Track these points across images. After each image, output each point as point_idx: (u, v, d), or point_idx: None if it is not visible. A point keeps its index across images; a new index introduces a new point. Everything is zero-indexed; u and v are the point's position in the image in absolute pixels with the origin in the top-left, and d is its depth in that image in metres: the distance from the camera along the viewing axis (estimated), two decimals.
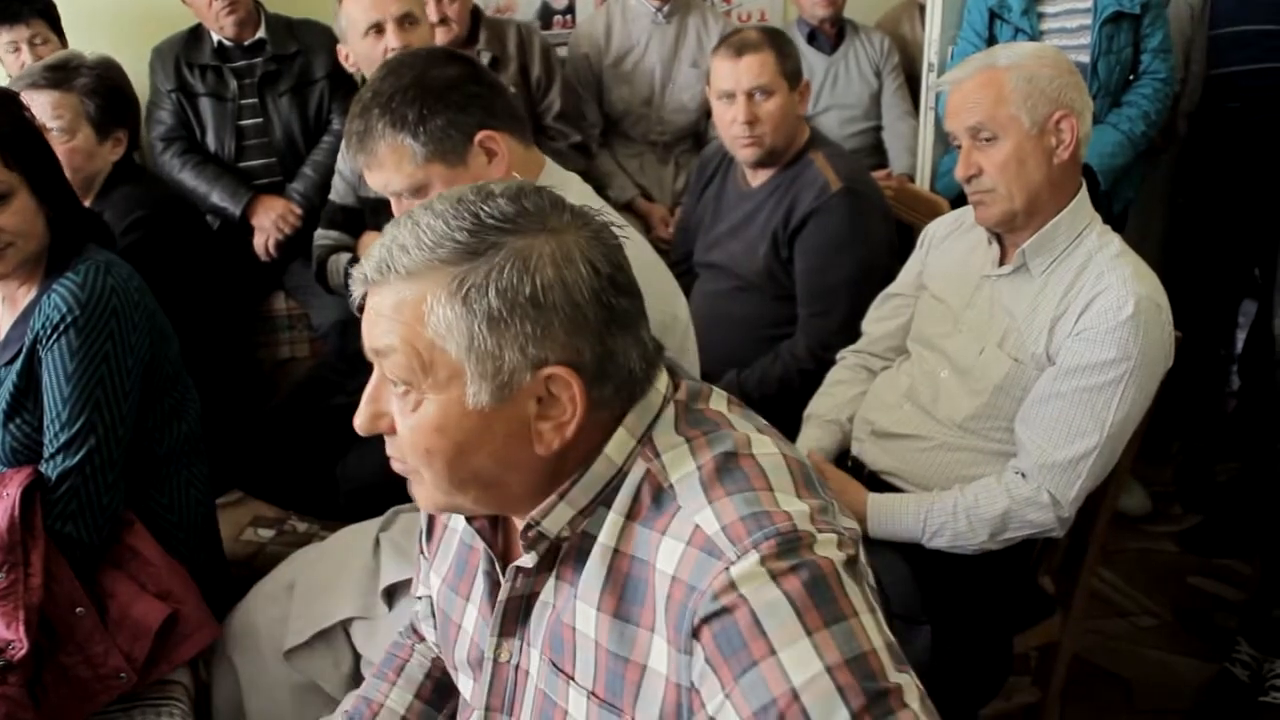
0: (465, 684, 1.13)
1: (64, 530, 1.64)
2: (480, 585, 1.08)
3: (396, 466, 0.99)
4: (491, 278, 0.87)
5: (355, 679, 1.69)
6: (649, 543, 0.92)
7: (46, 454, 1.66)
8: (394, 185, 1.55)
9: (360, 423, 0.98)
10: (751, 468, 0.92)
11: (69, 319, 1.64)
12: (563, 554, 0.98)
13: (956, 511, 1.73)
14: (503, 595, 1.02)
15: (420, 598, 1.29)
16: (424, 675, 1.30)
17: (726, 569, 0.85)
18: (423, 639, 1.34)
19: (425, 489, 0.98)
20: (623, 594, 0.93)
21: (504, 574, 1.02)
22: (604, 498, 0.95)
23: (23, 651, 1.53)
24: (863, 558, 0.92)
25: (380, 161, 1.54)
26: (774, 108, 2.33)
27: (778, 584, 0.84)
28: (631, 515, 0.94)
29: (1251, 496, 2.78)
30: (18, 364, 1.67)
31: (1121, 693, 2.37)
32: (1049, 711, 2.07)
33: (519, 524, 0.98)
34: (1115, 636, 2.54)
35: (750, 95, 2.32)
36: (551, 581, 0.99)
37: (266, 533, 2.95)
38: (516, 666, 1.04)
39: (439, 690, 1.30)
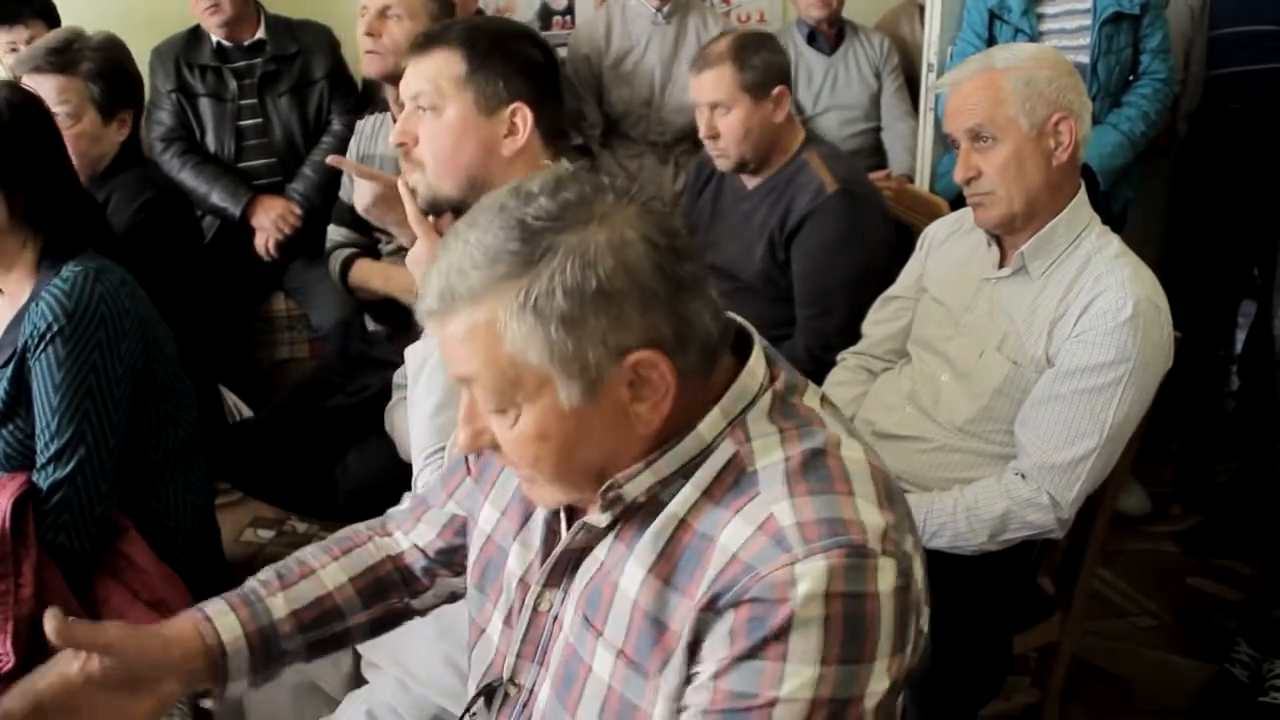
0: (484, 608, 1.13)
1: (57, 540, 1.63)
2: (536, 530, 1.08)
3: (517, 474, 1.01)
4: (555, 281, 0.87)
5: (355, 679, 1.68)
6: (719, 520, 0.92)
7: (38, 464, 1.66)
8: (420, 88, 1.57)
9: (463, 443, 0.98)
10: (837, 469, 0.93)
11: (55, 328, 1.62)
12: (628, 515, 0.99)
13: (956, 512, 1.73)
14: (561, 546, 1.03)
15: (443, 509, 1.28)
16: (367, 566, 1.27)
17: (792, 564, 0.86)
18: (388, 535, 1.31)
19: (544, 490, 0.99)
20: (678, 563, 0.94)
21: (568, 527, 1.03)
22: (685, 470, 0.96)
23: (9, 665, 1.52)
24: (918, 580, 0.94)
25: (428, 59, 1.56)
26: (734, 122, 2.33)
27: (826, 605, 0.86)
28: (709, 492, 0.94)
29: (1251, 497, 2.78)
30: (9, 371, 1.66)
31: (1121, 693, 2.37)
32: (1048, 712, 2.07)
33: None
34: (1115, 637, 2.54)
35: (711, 109, 2.34)
36: (609, 540, 1.00)
37: (266, 534, 2.95)
38: (555, 618, 1.04)
39: (376, 587, 1.27)
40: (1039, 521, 1.71)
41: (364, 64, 2.59)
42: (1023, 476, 1.72)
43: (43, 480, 1.64)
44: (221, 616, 1.17)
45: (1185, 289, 2.66)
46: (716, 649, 0.89)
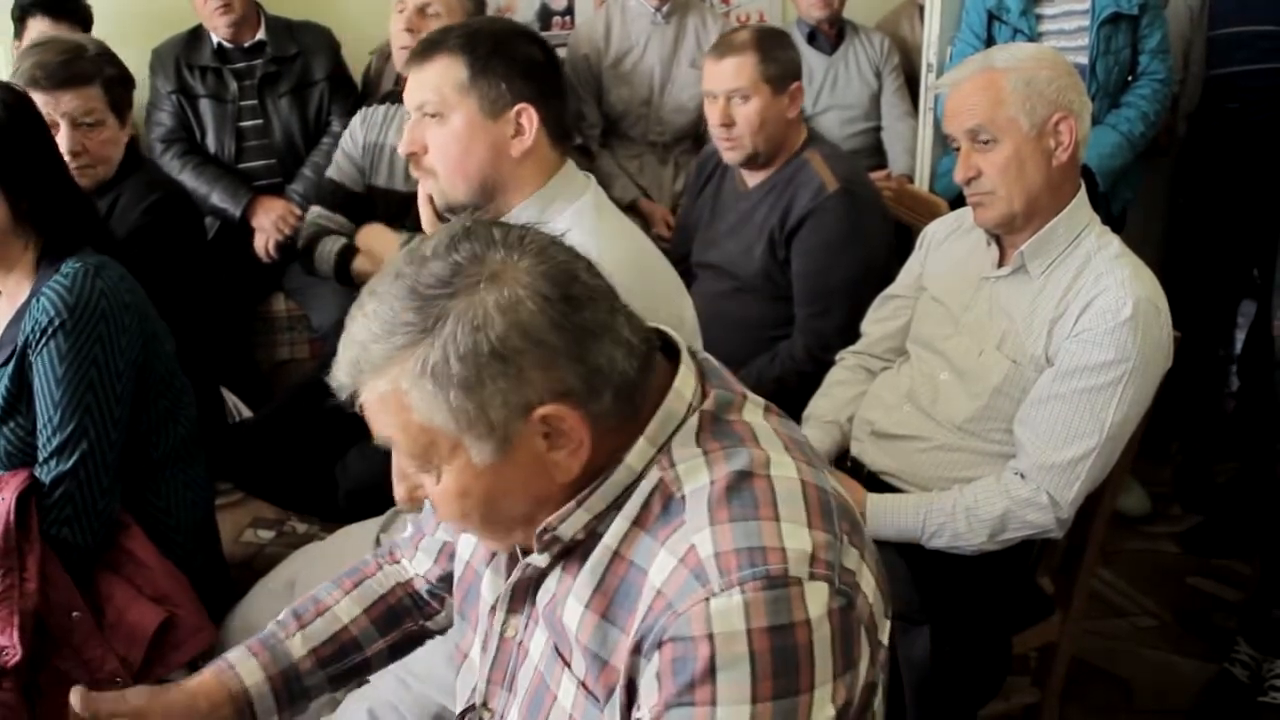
0: (466, 634, 1.15)
1: (60, 535, 1.64)
2: (501, 557, 1.10)
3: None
4: (448, 349, 0.87)
5: None
6: (649, 552, 0.92)
7: (40, 459, 1.67)
8: (424, 97, 1.57)
9: (400, 497, 1.01)
10: (763, 491, 0.91)
11: (57, 323, 1.63)
12: (571, 550, 1.00)
13: (955, 512, 1.73)
14: (512, 578, 1.04)
15: (434, 536, 1.30)
16: (379, 596, 1.30)
17: (706, 600, 0.86)
18: (396, 562, 1.34)
19: (484, 540, 1.03)
20: (614, 597, 0.94)
21: (522, 555, 1.04)
22: (618, 502, 0.96)
23: (16, 657, 1.53)
24: (867, 595, 0.92)
25: (429, 68, 1.56)
26: (751, 112, 2.33)
27: (750, 641, 0.85)
28: (639, 522, 0.94)
29: (1250, 497, 2.78)
30: (9, 367, 1.67)
31: (1121, 693, 2.37)
32: (1048, 712, 2.07)
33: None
34: (1114, 637, 2.54)
35: (728, 98, 2.33)
36: (557, 571, 1.01)
37: (266, 534, 2.95)
38: (520, 644, 1.05)
39: (390, 615, 1.30)
40: (1038, 521, 1.71)
41: (396, 59, 2.60)
42: (1022, 476, 1.72)
43: (45, 475, 1.65)
44: (243, 663, 1.21)
45: (1185, 289, 2.66)
46: (649, 694, 0.88)
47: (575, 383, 0.90)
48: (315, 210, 2.61)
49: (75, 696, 1.07)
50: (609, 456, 0.95)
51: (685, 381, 0.98)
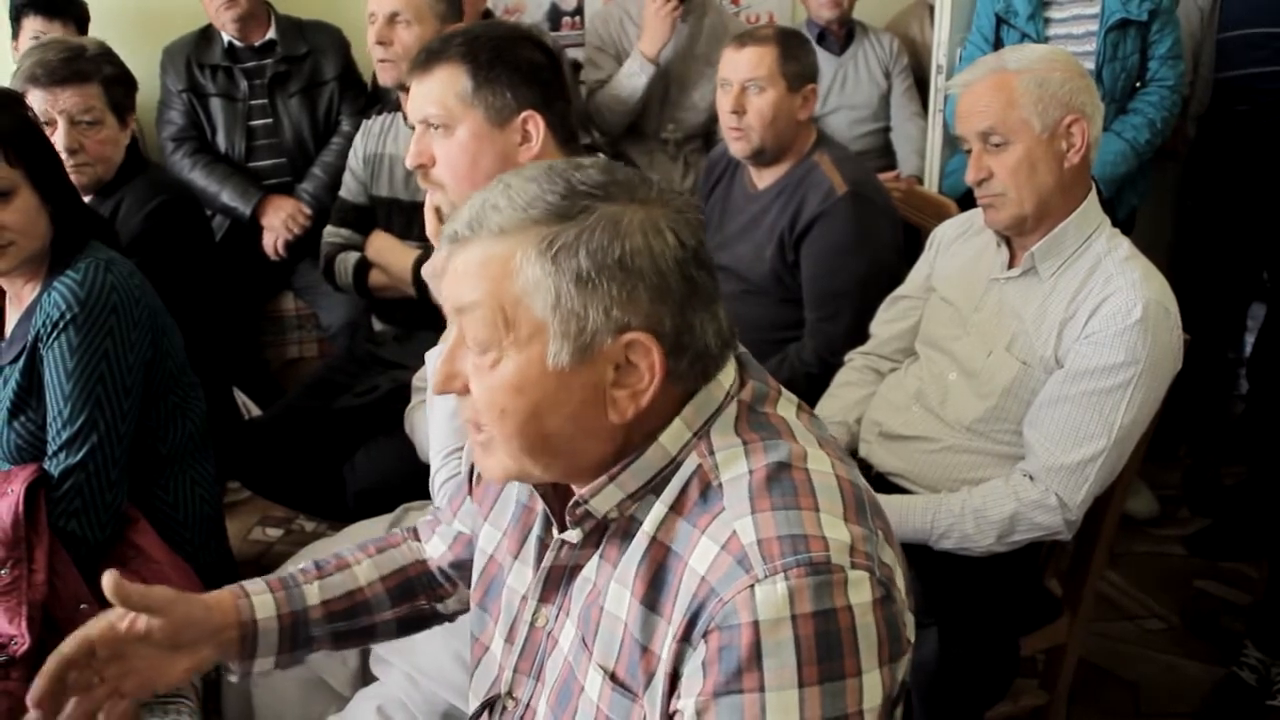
0: (487, 626, 1.15)
1: (68, 527, 1.65)
2: (531, 547, 1.10)
3: (471, 434, 1.01)
4: (582, 239, 0.90)
5: (363, 676, 1.69)
6: (688, 539, 0.93)
7: (49, 451, 1.68)
8: (427, 110, 1.56)
9: (436, 384, 1.00)
10: (802, 482, 0.92)
11: (68, 316, 1.65)
12: (609, 534, 1.00)
13: (964, 513, 1.73)
14: (546, 563, 1.04)
15: (450, 526, 1.30)
16: (398, 567, 1.31)
17: (751, 587, 0.86)
18: (418, 540, 1.35)
19: (495, 456, 0.98)
20: (653, 582, 0.94)
21: (558, 530, 1.04)
22: (654, 486, 0.96)
23: (25, 647, 1.54)
24: (900, 590, 0.93)
25: (431, 79, 1.55)
26: (764, 104, 2.33)
27: (794, 626, 0.85)
28: (676, 508, 0.95)
29: (1259, 500, 2.78)
30: (21, 362, 1.69)
31: (1128, 696, 2.37)
32: (1055, 714, 2.07)
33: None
34: (1122, 639, 2.54)
35: (743, 86, 2.34)
36: (595, 559, 1.01)
37: (274, 532, 2.96)
38: (549, 634, 1.05)
39: (405, 587, 1.30)
40: (1047, 523, 1.71)
41: (378, 73, 2.58)
42: (1031, 478, 1.72)
43: (54, 467, 1.66)
44: (259, 595, 1.22)
45: (1194, 292, 2.66)
46: (694, 683, 0.88)
47: (669, 329, 0.92)
48: (329, 230, 2.63)
49: (107, 580, 1.06)
50: (649, 426, 0.95)
51: (725, 371, 0.99)
